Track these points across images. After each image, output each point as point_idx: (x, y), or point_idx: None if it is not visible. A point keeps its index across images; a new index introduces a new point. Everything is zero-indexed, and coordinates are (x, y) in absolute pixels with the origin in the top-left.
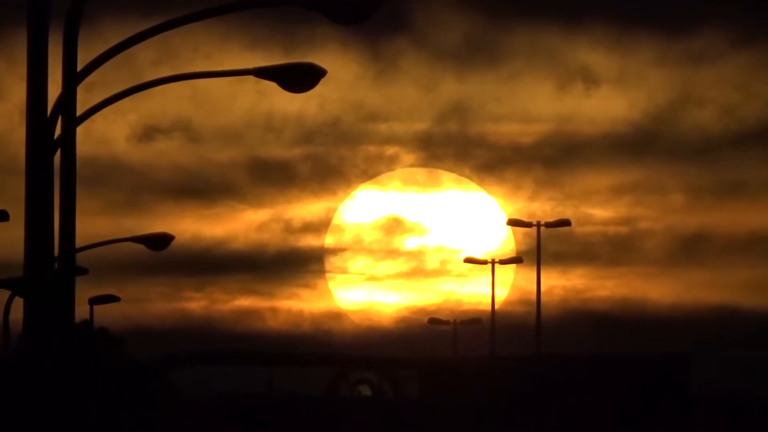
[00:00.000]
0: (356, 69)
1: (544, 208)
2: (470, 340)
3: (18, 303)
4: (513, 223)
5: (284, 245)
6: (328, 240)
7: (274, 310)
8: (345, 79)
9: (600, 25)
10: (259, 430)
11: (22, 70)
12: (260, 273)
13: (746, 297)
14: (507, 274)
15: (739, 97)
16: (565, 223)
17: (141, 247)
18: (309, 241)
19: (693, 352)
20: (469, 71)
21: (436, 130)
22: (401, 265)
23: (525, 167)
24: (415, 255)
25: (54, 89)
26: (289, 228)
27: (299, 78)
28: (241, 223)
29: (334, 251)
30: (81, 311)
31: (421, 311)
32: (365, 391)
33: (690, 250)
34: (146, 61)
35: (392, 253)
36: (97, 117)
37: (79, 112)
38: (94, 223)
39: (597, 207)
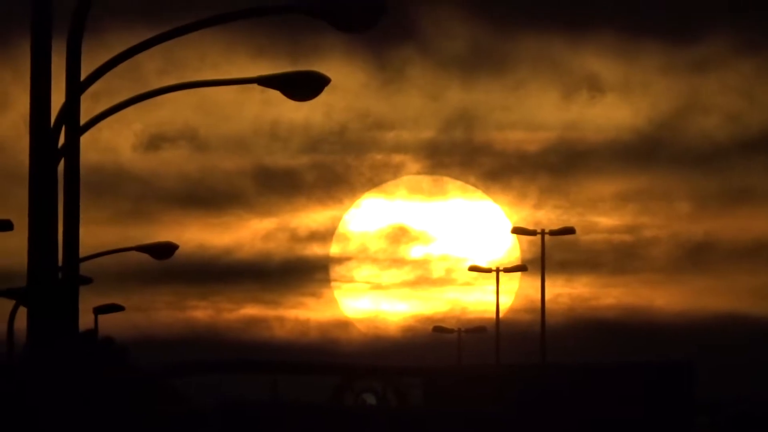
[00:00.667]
0: (362, 77)
1: (549, 216)
2: (475, 348)
3: (22, 312)
4: (517, 231)
5: (290, 254)
6: (334, 249)
7: (280, 319)
8: (351, 87)
9: (605, 33)
10: None
11: (27, 79)
12: (266, 282)
13: (753, 304)
14: (512, 283)
15: (744, 104)
16: (570, 231)
17: (146, 256)
18: (315, 249)
19: (699, 359)
20: (474, 80)
21: (442, 139)
22: (407, 273)
23: (530, 175)
24: (421, 263)
25: (58, 98)
26: (294, 237)
27: (303, 86)
28: (246, 232)
29: (340, 260)
30: (86, 320)
31: (427, 320)
32: (370, 399)
33: (696, 257)
34: (152, 70)
35: (398, 261)
36: (103, 126)
37: (83, 122)
38: (100, 233)
39: (602, 215)
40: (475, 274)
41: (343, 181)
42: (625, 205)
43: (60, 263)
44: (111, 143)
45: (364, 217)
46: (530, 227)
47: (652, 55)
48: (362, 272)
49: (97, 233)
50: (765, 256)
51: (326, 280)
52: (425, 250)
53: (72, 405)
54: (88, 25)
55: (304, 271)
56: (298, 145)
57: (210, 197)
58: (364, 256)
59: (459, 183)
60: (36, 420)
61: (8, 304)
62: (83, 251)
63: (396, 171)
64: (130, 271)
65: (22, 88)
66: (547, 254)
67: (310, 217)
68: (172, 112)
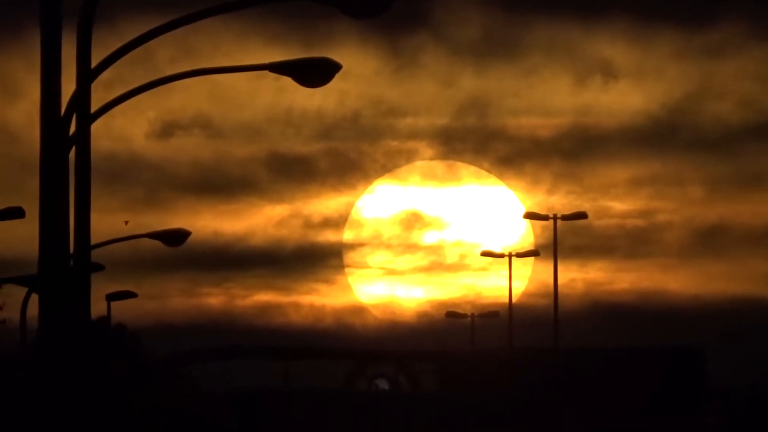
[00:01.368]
0: (375, 64)
1: (562, 202)
2: (488, 333)
3: (35, 300)
4: (530, 216)
5: (303, 240)
6: (347, 235)
7: (294, 305)
8: (364, 74)
9: (618, 19)
10: (273, 424)
11: (39, 68)
12: (279, 268)
13: (766, 288)
14: (525, 267)
15: (757, 89)
16: (582, 215)
17: (159, 243)
18: (328, 236)
19: (712, 343)
20: (488, 66)
21: (456, 125)
22: (420, 259)
23: (544, 160)
24: (434, 249)
25: (71, 87)
26: (308, 223)
27: (314, 73)
28: (260, 219)
29: (354, 246)
30: (98, 308)
31: (441, 305)
32: (382, 385)
33: (709, 241)
34: (165, 58)
35: (411, 247)
36: (117, 114)
37: (95, 109)
38: (113, 220)
39: (615, 200)
40: (488, 259)
41: (356, 167)
42: (638, 189)
43: (72, 250)
44: (124, 131)
45: (378, 203)
46: (543, 212)
47: (665, 40)
48: (376, 258)
49: (110, 220)
50: None
51: (340, 266)
52: (439, 235)
53: (83, 392)
54: (100, 13)
55: (318, 258)
56: (311, 132)
57: (223, 184)
58: (377, 242)
59: (472, 169)
60: (49, 405)
61: (21, 291)
62: (96, 238)
63: (409, 157)
64: (142, 258)
65: (34, 77)
66: (560, 239)
67: (324, 203)
68: (185, 99)
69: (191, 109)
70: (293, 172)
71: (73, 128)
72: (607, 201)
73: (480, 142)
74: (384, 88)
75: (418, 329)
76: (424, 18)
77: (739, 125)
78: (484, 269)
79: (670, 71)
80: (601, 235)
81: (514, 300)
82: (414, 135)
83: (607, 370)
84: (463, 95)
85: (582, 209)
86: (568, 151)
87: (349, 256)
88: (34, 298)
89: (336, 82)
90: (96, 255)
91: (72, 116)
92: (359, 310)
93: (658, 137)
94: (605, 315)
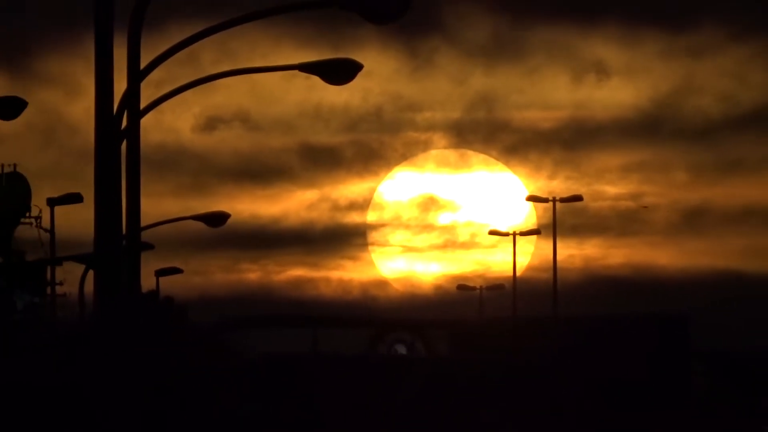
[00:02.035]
0: (395, 65)
1: (561, 186)
2: (495, 303)
3: (92, 275)
4: (532, 198)
5: (331, 221)
6: (371, 216)
7: (325, 279)
8: (385, 73)
9: (611, 23)
10: (303, 385)
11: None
12: (310, 247)
13: (744, 262)
14: (528, 245)
15: (735, 85)
16: (578, 198)
17: (202, 224)
18: (353, 217)
19: (695, 311)
20: (495, 65)
21: (467, 118)
22: (435, 237)
23: (545, 149)
24: (448, 229)
25: (123, 86)
26: (335, 206)
27: (339, 72)
28: (293, 203)
29: (376, 226)
30: (148, 282)
31: (453, 278)
32: (401, 350)
33: (693, 221)
34: (208, 60)
35: (427, 227)
36: (166, 110)
37: (145, 106)
38: (163, 204)
39: (609, 184)
40: (495, 237)
41: (378, 156)
42: (629, 175)
43: (124, 231)
44: (172, 125)
45: (398, 188)
46: (544, 196)
47: (653, 41)
48: (396, 237)
49: (160, 204)
50: (754, 220)
51: (364, 245)
52: (452, 216)
53: (136, 358)
54: (149, 19)
55: (344, 237)
56: (338, 125)
57: (260, 171)
58: (397, 223)
59: (482, 157)
60: (106, 371)
61: (79, 268)
62: (146, 220)
63: (425, 146)
64: (188, 238)
65: (92, 78)
66: (559, 219)
67: (349, 188)
68: (226, 96)
69: (232, 105)
70: (322, 160)
71: (124, 123)
72: (601, 185)
73: (488, 133)
74: (403, 85)
75: (433, 300)
76: (438, 23)
77: (718, 117)
78: (492, 246)
79: (656, 69)
80: (595, 216)
81: (518, 274)
82: (430, 127)
83: (601, 335)
84: (473, 92)
85: (579, 193)
86: (566, 141)
87: (372, 236)
88: (91, 274)
89: (360, 81)
90: (146, 235)
91: (123, 112)
92: (381, 283)
93: (646, 128)
94: (600, 286)
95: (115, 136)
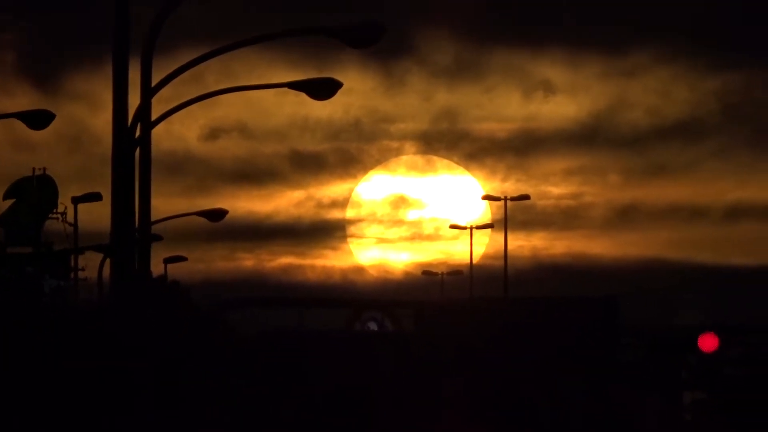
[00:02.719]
0: (372, 83)
1: (513, 187)
2: (454, 287)
3: (109, 263)
4: (487, 198)
5: (316, 217)
6: (349, 213)
7: (310, 266)
8: (363, 91)
9: (557, 47)
10: (292, 356)
11: None
12: (298, 239)
13: (668, 252)
14: (484, 237)
15: (661, 101)
16: (526, 197)
17: (205, 219)
18: (335, 214)
19: (626, 294)
20: (457, 84)
21: (433, 129)
22: (405, 231)
23: (499, 156)
24: (415, 224)
25: (136, 101)
26: (319, 204)
27: (323, 89)
28: (283, 201)
29: (354, 221)
30: (157, 269)
31: (420, 265)
32: (372, 326)
33: (624, 217)
34: (211, 79)
35: (398, 222)
36: (175, 122)
37: (155, 118)
38: (171, 202)
39: (553, 186)
40: (455, 231)
41: (356, 161)
42: (570, 177)
43: (137, 225)
44: (181, 134)
45: (373, 189)
46: (497, 195)
47: (592, 64)
48: (371, 230)
49: (169, 203)
50: (678, 216)
51: (344, 237)
52: (419, 213)
53: (146, 333)
54: (160, 43)
55: (327, 230)
56: (322, 135)
57: (255, 175)
58: (372, 218)
59: (445, 162)
60: (119, 346)
61: (98, 256)
62: (157, 216)
63: (397, 153)
64: (192, 231)
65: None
66: (510, 215)
67: (331, 189)
68: (227, 110)
69: (231, 118)
70: (309, 165)
71: (138, 133)
72: (546, 186)
73: (451, 141)
74: (378, 101)
75: (402, 284)
76: (409, 48)
77: (647, 129)
78: (452, 239)
79: (595, 87)
80: (541, 212)
81: (474, 262)
82: (401, 137)
83: (545, 314)
84: (438, 106)
85: (527, 192)
86: (517, 148)
87: (351, 229)
88: (108, 262)
89: (341, 97)
90: (156, 229)
91: (137, 124)
92: (358, 270)
93: (585, 138)
94: (545, 273)
95: (130, 144)
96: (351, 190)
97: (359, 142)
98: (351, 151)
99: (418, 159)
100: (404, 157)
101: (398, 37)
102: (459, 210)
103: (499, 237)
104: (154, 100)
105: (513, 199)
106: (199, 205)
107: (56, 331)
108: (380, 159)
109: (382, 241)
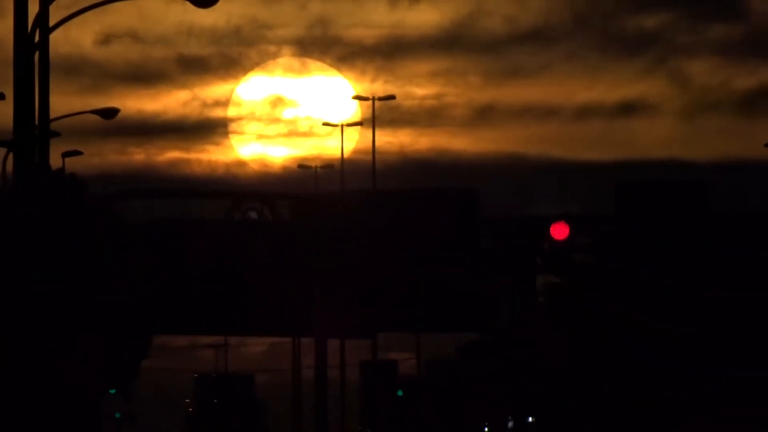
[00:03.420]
0: None
1: (381, 88)
2: (328, 180)
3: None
4: (357, 98)
5: (201, 116)
6: (231, 111)
7: (197, 160)
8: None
9: None
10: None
11: None
12: (185, 135)
13: (523, 147)
14: (354, 134)
15: (517, 9)
16: (392, 97)
17: (99, 117)
18: (218, 112)
19: (486, 187)
20: None
21: (308, 35)
22: (282, 128)
23: (369, 59)
24: (292, 121)
25: (36, 8)
26: (204, 104)
27: None
28: (171, 101)
29: (235, 119)
30: (56, 162)
31: (296, 159)
32: (253, 215)
33: (484, 115)
34: None
35: (275, 120)
36: (72, 28)
37: (53, 24)
38: (69, 102)
39: (417, 87)
40: (328, 128)
41: (237, 64)
42: (433, 79)
43: (36, 122)
44: (77, 40)
45: (253, 89)
46: (366, 95)
47: None
48: (251, 128)
49: (66, 102)
50: (532, 115)
51: (226, 134)
52: (295, 112)
53: (45, 219)
54: None
55: (211, 128)
56: (207, 40)
57: (145, 76)
58: (252, 117)
59: (319, 64)
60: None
61: (2, 151)
62: (55, 115)
63: (275, 56)
64: (87, 129)
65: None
66: (378, 114)
67: (214, 89)
68: (120, 17)
69: (124, 24)
70: (194, 68)
71: (37, 38)
72: (411, 87)
73: (324, 46)
74: (258, 9)
75: (280, 177)
76: None
77: (504, 34)
78: (326, 135)
79: None
80: (407, 112)
81: (345, 157)
82: (279, 42)
83: (411, 205)
84: (313, 14)
85: (393, 93)
86: (385, 53)
87: (232, 126)
88: (11, 156)
89: (224, 5)
90: (54, 126)
91: (36, 29)
92: (240, 163)
93: (447, 43)
94: (411, 167)
95: (30, 48)
96: (232, 91)
97: (240, 47)
98: (232, 55)
99: (294, 62)
100: (281, 60)
101: None
102: (331, 109)
103: (368, 134)
104: (51, 8)
105: (380, 99)
106: (93, 104)
107: None
108: (259, 62)
109: (261, 137)
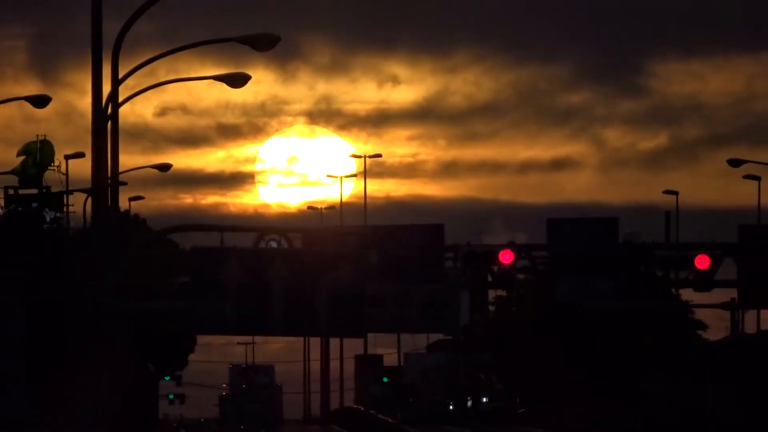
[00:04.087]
0: (273, 76)
1: (371, 149)
2: (330, 218)
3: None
4: (353, 156)
5: (234, 169)
6: (257, 166)
7: (232, 204)
8: (267, 81)
9: (401, 50)
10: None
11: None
12: (222, 184)
13: (479, 193)
14: (351, 184)
15: (475, 89)
16: (379, 156)
17: (156, 171)
18: (247, 167)
19: (450, 223)
20: (332, 77)
21: (315, 108)
22: (296, 179)
23: (361, 127)
24: (304, 174)
25: (107, 88)
26: (237, 160)
27: (237, 80)
28: (212, 158)
29: (261, 172)
30: (124, 205)
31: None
32: (273, 244)
33: (449, 169)
34: (162, 73)
35: (291, 173)
36: (137, 103)
37: (122, 100)
38: (135, 159)
39: (398, 148)
40: (331, 179)
41: (262, 130)
42: (410, 142)
43: (109, 174)
44: (141, 111)
45: (274, 149)
46: (360, 154)
47: (426, 62)
48: (273, 178)
49: (132, 159)
50: (486, 168)
51: (254, 183)
52: (306, 167)
53: (116, 245)
54: (125, 47)
55: (242, 178)
56: (240, 112)
57: (192, 140)
58: (273, 170)
59: (324, 130)
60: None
61: (83, 196)
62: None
63: (291, 124)
64: (148, 179)
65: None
66: (368, 168)
67: (245, 150)
68: (173, 95)
69: (177, 101)
70: (229, 133)
71: (110, 111)
72: (394, 148)
73: (328, 117)
74: (278, 89)
75: (295, 216)
76: (298, 51)
77: (464, 108)
78: (330, 184)
79: (428, 79)
80: (391, 167)
81: (344, 200)
82: (294, 113)
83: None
84: (319, 93)
85: (380, 152)
86: (374, 122)
87: (259, 177)
88: (90, 200)
89: (252, 86)
90: (123, 177)
91: (109, 104)
92: (265, 206)
93: (421, 115)
94: (394, 208)
95: (104, 119)
96: (258, 150)
97: (264, 117)
98: (258, 124)
99: (306, 128)
100: (296, 127)
101: (291, 42)
102: (333, 164)
103: (361, 183)
104: (120, 88)
105: (371, 156)
106: (152, 161)
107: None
108: (279, 128)
109: (280, 186)
